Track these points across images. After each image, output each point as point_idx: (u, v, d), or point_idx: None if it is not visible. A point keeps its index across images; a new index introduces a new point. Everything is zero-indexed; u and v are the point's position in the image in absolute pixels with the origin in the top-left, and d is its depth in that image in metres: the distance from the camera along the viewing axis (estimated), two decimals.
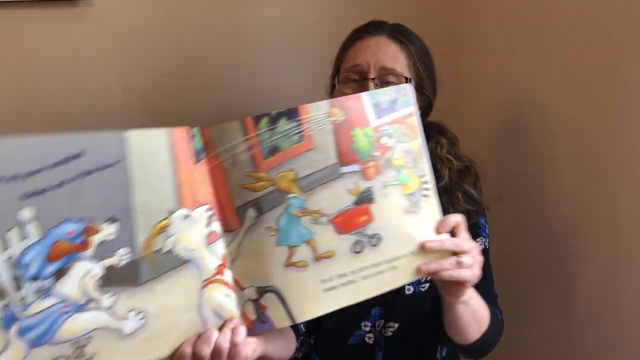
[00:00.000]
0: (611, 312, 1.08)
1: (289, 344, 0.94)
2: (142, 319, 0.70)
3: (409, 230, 0.79)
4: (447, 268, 0.79)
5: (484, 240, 1.06)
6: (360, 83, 0.99)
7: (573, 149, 1.15)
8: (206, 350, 0.72)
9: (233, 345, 0.73)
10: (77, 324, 0.66)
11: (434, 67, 1.05)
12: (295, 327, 0.96)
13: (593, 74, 1.08)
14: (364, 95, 0.79)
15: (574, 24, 1.12)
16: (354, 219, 0.77)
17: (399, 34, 1.01)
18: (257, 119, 0.75)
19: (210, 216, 0.75)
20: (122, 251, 0.69)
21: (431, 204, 0.82)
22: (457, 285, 0.82)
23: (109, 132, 0.69)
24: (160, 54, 1.27)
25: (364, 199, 0.78)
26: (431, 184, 0.82)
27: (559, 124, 1.18)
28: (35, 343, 0.64)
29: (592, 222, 1.11)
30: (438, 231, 0.81)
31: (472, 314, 0.91)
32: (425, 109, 1.04)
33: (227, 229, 0.76)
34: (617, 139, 1.05)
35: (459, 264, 0.79)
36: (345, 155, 0.77)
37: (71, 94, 1.20)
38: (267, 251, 0.75)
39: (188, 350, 0.72)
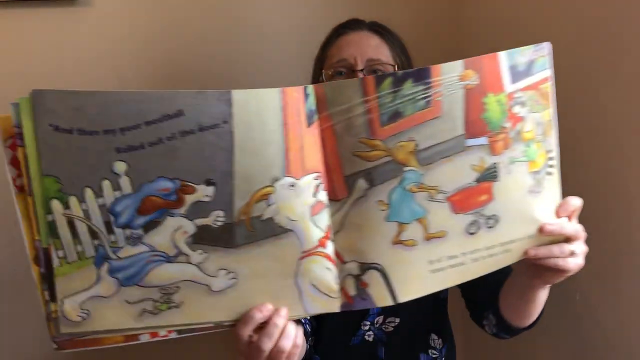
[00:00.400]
0: (611, 314, 1.04)
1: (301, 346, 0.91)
2: (232, 278, 0.66)
3: (532, 213, 0.71)
4: (556, 255, 0.72)
5: None
6: (349, 77, 0.95)
7: (574, 150, 1.07)
8: (267, 345, 0.67)
9: (295, 346, 0.69)
10: (165, 273, 0.65)
11: (410, 60, 1.03)
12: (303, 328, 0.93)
13: (593, 74, 1.01)
14: (501, 54, 0.67)
15: (574, 23, 1.05)
16: (474, 198, 0.69)
17: (379, 27, 1.01)
18: (380, 78, 0.64)
19: (318, 185, 0.67)
20: (217, 213, 0.64)
21: (554, 183, 0.73)
22: (555, 273, 0.75)
23: (213, 91, 0.61)
24: (159, 54, 1.25)
25: (488, 176, 0.69)
26: (556, 160, 0.73)
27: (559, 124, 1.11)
28: (125, 283, 0.64)
29: (593, 221, 1.05)
30: (557, 214, 0.73)
31: (544, 298, 0.86)
32: None
33: (334, 198, 0.68)
34: (619, 138, 0.97)
35: (571, 253, 0.72)
36: (474, 126, 0.67)
37: None
38: (374, 226, 0.68)
39: (258, 315, 0.67)
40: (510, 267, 0.78)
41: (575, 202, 0.74)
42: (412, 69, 1.00)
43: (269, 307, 0.67)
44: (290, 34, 1.31)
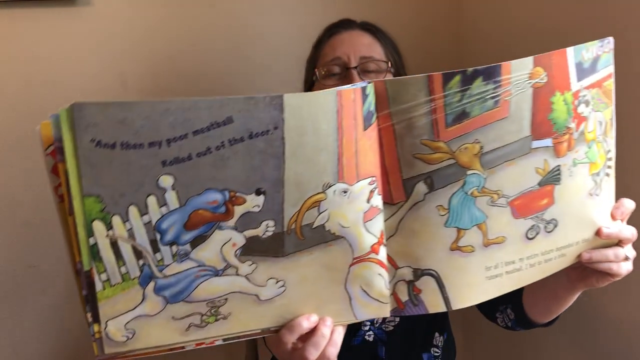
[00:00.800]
0: (611, 309, 1.05)
1: None
2: (281, 287, 0.63)
3: (590, 216, 0.69)
4: (611, 260, 0.70)
5: None
6: (342, 75, 0.96)
7: None
8: (314, 355, 0.65)
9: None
10: (213, 287, 0.61)
11: (402, 59, 1.03)
12: None
13: None
14: (569, 50, 0.63)
15: (573, 23, 1.06)
16: (535, 202, 0.66)
17: (370, 26, 1.01)
18: (448, 76, 0.59)
19: (372, 190, 0.62)
20: (267, 223, 0.60)
21: (610, 185, 0.70)
22: (603, 277, 0.73)
23: (264, 95, 0.57)
24: (159, 53, 1.24)
25: (550, 179, 0.65)
26: (614, 160, 0.70)
27: None
28: (172, 300, 0.60)
29: None
30: (613, 217, 0.71)
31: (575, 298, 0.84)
32: None
33: (389, 201, 0.63)
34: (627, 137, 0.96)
35: (625, 258, 0.70)
36: (540, 127, 0.63)
37: (69, 94, 1.17)
38: (432, 232, 0.64)
39: (305, 324, 0.64)
40: None
41: (630, 204, 0.71)
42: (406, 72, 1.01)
43: (315, 318, 0.65)
44: (289, 34, 1.31)
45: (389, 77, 0.96)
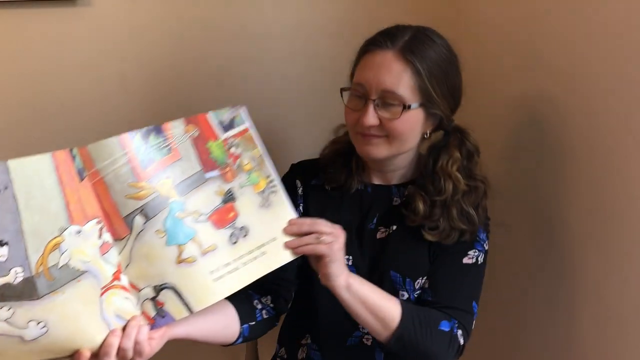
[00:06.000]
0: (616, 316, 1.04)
1: (226, 319, 0.97)
2: (43, 327, 0.72)
3: (266, 221, 0.94)
4: (308, 243, 0.91)
5: (476, 254, 1.04)
6: (363, 101, 0.99)
7: (585, 149, 1.08)
8: (112, 352, 0.76)
9: (137, 343, 0.78)
10: None
11: (454, 79, 1.01)
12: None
13: (589, 74, 1.04)
14: (208, 114, 0.93)
15: (571, 23, 1.08)
16: (225, 215, 0.90)
17: (409, 50, 0.97)
18: (132, 134, 0.83)
19: (101, 228, 0.79)
20: (16, 270, 0.71)
21: (280, 197, 0.95)
22: (320, 260, 0.90)
23: None
24: (159, 53, 1.29)
25: (228, 198, 0.91)
26: (277, 181, 0.95)
27: (568, 122, 1.11)
28: None
29: (608, 221, 1.04)
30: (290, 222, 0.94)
31: (362, 305, 0.93)
32: (438, 124, 1.05)
33: (118, 237, 0.81)
34: (633, 137, 0.96)
35: (318, 240, 0.90)
36: (207, 163, 0.90)
37: (70, 94, 1.22)
38: (158, 252, 0.82)
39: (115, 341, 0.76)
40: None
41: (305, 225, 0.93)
42: (455, 92, 1.01)
43: (87, 354, 0.75)
44: (291, 34, 1.34)
45: (412, 112, 0.97)
